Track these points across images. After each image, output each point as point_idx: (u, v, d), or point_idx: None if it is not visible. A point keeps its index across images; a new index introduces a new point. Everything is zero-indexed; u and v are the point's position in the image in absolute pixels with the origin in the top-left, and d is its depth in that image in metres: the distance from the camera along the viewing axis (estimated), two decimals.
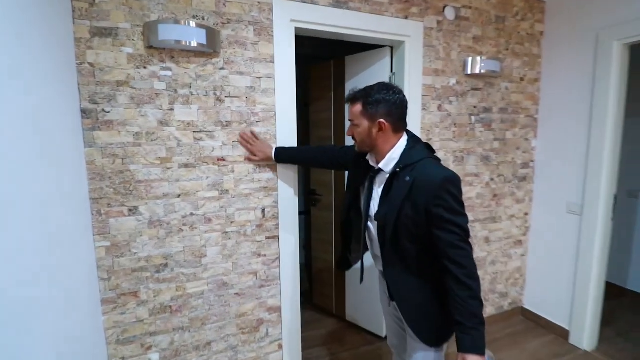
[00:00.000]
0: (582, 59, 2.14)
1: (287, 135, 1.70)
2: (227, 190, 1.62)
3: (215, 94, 1.55)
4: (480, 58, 2.10)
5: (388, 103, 1.14)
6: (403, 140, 1.19)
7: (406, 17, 1.91)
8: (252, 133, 1.63)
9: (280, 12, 1.61)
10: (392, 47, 2.04)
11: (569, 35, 2.22)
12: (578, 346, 2.23)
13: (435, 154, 1.22)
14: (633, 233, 3.01)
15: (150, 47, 1.43)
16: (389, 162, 1.19)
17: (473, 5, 2.10)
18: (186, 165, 1.54)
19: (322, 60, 2.48)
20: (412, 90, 1.97)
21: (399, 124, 1.18)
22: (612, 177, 2.07)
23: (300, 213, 3.47)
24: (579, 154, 2.19)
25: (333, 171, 2.45)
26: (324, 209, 2.57)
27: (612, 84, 1.98)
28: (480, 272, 1.09)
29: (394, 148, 1.18)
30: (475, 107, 2.21)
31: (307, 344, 2.21)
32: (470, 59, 2.10)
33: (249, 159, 1.64)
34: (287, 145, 1.70)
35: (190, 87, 1.51)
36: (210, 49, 1.48)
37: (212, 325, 1.67)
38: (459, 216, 1.06)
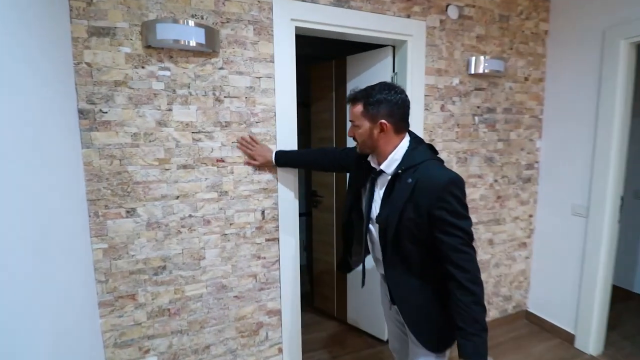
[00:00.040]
0: (588, 58, 2.11)
1: (287, 136, 1.68)
2: (226, 192, 1.60)
3: (214, 94, 1.53)
4: (484, 57, 2.07)
5: (390, 103, 1.12)
6: (405, 141, 1.17)
7: (408, 16, 1.89)
8: (252, 137, 1.60)
9: (280, 11, 1.59)
10: (394, 47, 2.01)
11: (574, 33, 2.19)
12: (584, 351, 2.19)
13: (438, 155, 1.19)
14: None
15: (148, 47, 1.41)
16: (390, 164, 1.16)
17: (476, 3, 2.07)
18: (185, 166, 1.52)
19: (323, 61, 2.45)
20: (415, 90, 1.94)
21: (401, 124, 1.16)
22: (619, 178, 2.03)
23: (301, 214, 3.47)
24: (584, 155, 2.15)
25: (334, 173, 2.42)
26: (325, 210, 2.54)
27: (619, 83, 1.94)
28: (483, 275, 1.07)
29: (396, 149, 1.16)
30: (478, 107, 2.18)
31: (307, 347, 2.19)
32: (473, 59, 2.07)
33: (248, 164, 1.63)
34: (287, 147, 1.68)
35: (189, 87, 1.49)
36: (209, 49, 1.47)
37: (211, 329, 1.65)
38: (462, 219, 1.04)
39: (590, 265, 2.13)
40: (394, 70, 2.03)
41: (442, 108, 2.07)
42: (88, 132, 1.37)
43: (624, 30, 1.91)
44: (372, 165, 1.24)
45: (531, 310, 2.56)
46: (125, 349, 1.51)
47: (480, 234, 2.30)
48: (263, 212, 1.69)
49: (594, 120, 2.08)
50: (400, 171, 1.12)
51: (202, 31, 1.42)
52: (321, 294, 2.70)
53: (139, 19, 1.39)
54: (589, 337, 2.16)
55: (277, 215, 1.71)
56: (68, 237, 1.23)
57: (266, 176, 1.67)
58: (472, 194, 2.24)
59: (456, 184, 1.05)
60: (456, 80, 2.08)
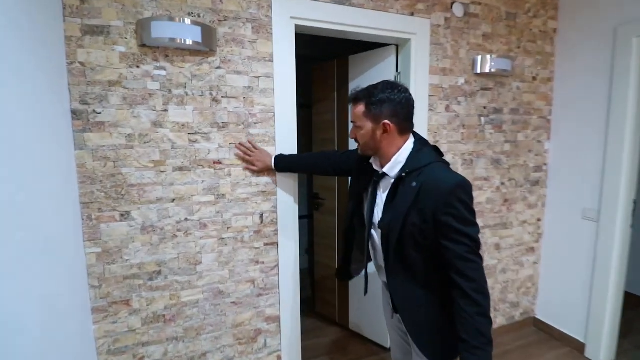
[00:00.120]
0: (598, 57, 2.04)
1: (286, 137, 1.63)
2: (223, 195, 1.56)
3: (211, 94, 1.49)
4: (490, 56, 2.01)
5: (393, 103, 1.07)
6: (409, 143, 1.12)
7: (412, 14, 1.83)
8: (250, 142, 1.56)
9: (279, 9, 1.55)
10: (397, 46, 1.96)
11: (584, 31, 2.12)
12: None
13: (443, 158, 1.14)
14: None
15: (143, 46, 1.37)
16: (394, 166, 1.11)
17: (483, 1, 2.02)
18: (181, 169, 1.48)
19: (324, 61, 2.41)
20: (419, 90, 1.89)
21: (405, 125, 1.10)
22: (632, 181, 1.95)
23: (303, 217, 3.43)
24: (595, 157, 2.08)
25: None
26: (327, 213, 2.49)
27: (631, 82, 1.87)
28: (490, 281, 1.01)
29: (400, 151, 1.10)
30: (485, 107, 2.12)
31: (308, 353, 2.13)
32: (479, 58, 2.01)
33: (248, 169, 1.58)
34: (286, 149, 1.63)
35: (185, 87, 1.45)
36: (206, 48, 1.42)
37: (208, 336, 1.60)
38: (469, 226, 0.98)
39: (601, 271, 2.06)
40: (397, 70, 1.97)
41: (447, 108, 2.01)
42: (81, 134, 1.34)
43: (637, 27, 1.84)
44: (375, 167, 1.19)
45: (539, 317, 2.48)
46: (119, 356, 1.46)
47: (486, 238, 2.23)
48: (262, 216, 1.64)
49: (605, 121, 2.01)
50: (404, 174, 1.07)
51: (198, 29, 1.38)
52: (323, 299, 2.64)
53: (134, 17, 1.36)
54: (600, 345, 2.09)
55: (276, 219, 1.66)
56: (60, 241, 1.19)
57: (265, 179, 1.63)
58: (479, 197, 2.18)
59: (464, 188, 0.99)
60: (462, 80, 2.02)
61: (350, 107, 1.17)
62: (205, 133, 1.50)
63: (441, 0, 1.90)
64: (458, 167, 2.08)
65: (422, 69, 1.89)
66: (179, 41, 1.36)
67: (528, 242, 2.40)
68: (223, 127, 1.53)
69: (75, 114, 1.32)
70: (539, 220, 2.41)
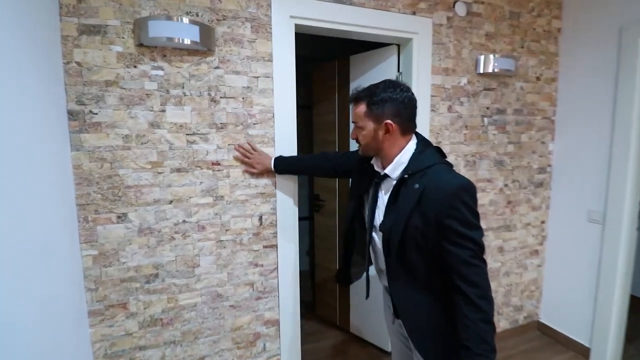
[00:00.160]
0: (604, 57, 2.00)
1: (286, 138, 1.61)
2: (221, 196, 1.53)
3: (209, 95, 1.47)
4: (493, 56, 1.98)
5: (395, 102, 1.04)
6: (412, 144, 1.09)
7: (414, 13, 1.81)
8: (250, 143, 1.54)
9: (279, 8, 1.53)
10: (398, 45, 1.93)
11: (589, 31, 2.09)
12: None
13: (446, 159, 1.11)
14: None
15: (140, 45, 1.35)
16: (396, 168, 1.08)
17: (485, 0, 1.99)
18: (178, 170, 1.46)
19: (325, 61, 2.39)
20: (421, 90, 1.86)
21: (408, 125, 1.08)
22: (638, 182, 1.91)
23: (304, 218, 3.40)
24: (600, 158, 2.04)
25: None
26: (328, 214, 2.46)
27: (637, 83, 1.84)
28: (493, 284, 0.99)
29: (402, 152, 1.08)
30: (488, 108, 2.09)
31: (308, 357, 2.11)
32: (482, 57, 1.99)
33: (247, 172, 1.56)
34: (286, 150, 1.61)
35: (183, 87, 1.43)
36: (204, 47, 1.41)
37: (206, 339, 1.58)
38: (473, 229, 0.95)
39: (607, 274, 2.02)
40: (398, 70, 1.95)
41: (450, 109, 1.98)
42: (77, 134, 1.32)
43: None
44: (376, 169, 1.17)
45: (543, 321, 2.45)
46: None
47: (489, 241, 2.20)
48: (260, 218, 1.61)
49: (611, 122, 1.97)
50: (406, 176, 1.04)
51: (196, 29, 1.36)
52: (323, 301, 2.62)
53: (131, 16, 1.34)
54: (606, 350, 2.05)
55: (276, 221, 1.64)
56: (56, 243, 1.18)
57: (264, 180, 1.60)
58: (482, 199, 2.14)
59: (468, 191, 0.97)
60: (464, 80, 1.99)
61: (351, 107, 1.15)
62: (203, 134, 1.48)
63: None
64: (461, 169, 2.05)
65: (424, 69, 1.87)
66: (176, 41, 1.34)
67: (532, 244, 2.36)
68: (221, 128, 1.50)
69: (71, 114, 1.30)
70: (543, 222, 2.37)
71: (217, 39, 1.46)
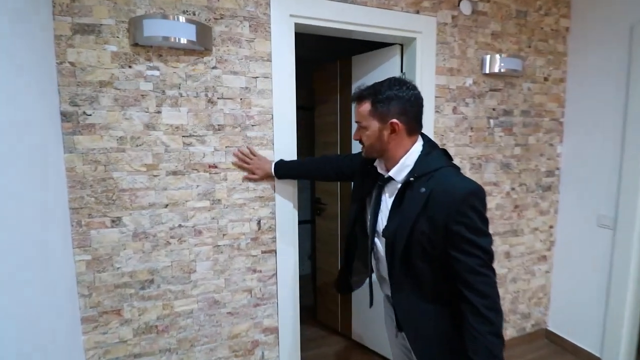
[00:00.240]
0: (614, 56, 1.94)
1: (285, 140, 1.56)
2: (219, 200, 1.49)
3: (206, 95, 1.43)
4: (500, 56, 1.93)
5: (401, 100, 1.00)
6: (418, 145, 1.05)
7: (417, 12, 1.76)
8: (249, 148, 1.50)
9: (278, 7, 1.49)
10: (402, 45, 1.89)
11: (598, 30, 2.03)
12: None
13: (453, 162, 1.06)
14: None
15: (135, 45, 1.32)
16: (401, 170, 1.04)
17: None
18: (174, 173, 1.42)
19: (327, 62, 2.34)
20: (424, 91, 1.78)
21: (414, 125, 1.04)
22: None
23: (306, 221, 3.36)
24: (611, 161, 1.97)
25: None
26: (329, 218, 2.42)
27: None
28: (500, 291, 0.94)
29: (408, 154, 1.03)
30: (494, 109, 2.03)
31: None
32: (488, 57, 1.93)
33: (247, 178, 1.52)
34: (285, 152, 1.57)
35: (180, 87, 1.39)
36: (201, 47, 1.37)
37: (202, 347, 1.53)
38: (482, 236, 0.91)
39: (618, 280, 1.96)
40: (402, 70, 1.90)
41: (455, 110, 1.93)
42: (71, 136, 1.28)
43: None
44: (380, 171, 1.12)
45: (551, 329, 2.37)
46: None
47: (496, 246, 2.14)
48: (259, 222, 1.57)
49: (622, 123, 1.91)
50: (412, 179, 0.99)
51: (193, 28, 1.32)
52: (325, 306, 2.56)
53: (126, 15, 1.30)
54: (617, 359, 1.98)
55: (275, 226, 1.59)
56: (48, 248, 1.14)
57: (262, 184, 1.56)
58: (488, 203, 2.05)
59: (478, 196, 0.93)
60: (469, 81, 1.94)
61: (354, 106, 1.10)
62: (200, 136, 1.44)
63: None
64: (466, 172, 1.99)
65: (428, 69, 1.82)
66: (172, 40, 1.31)
67: (540, 250, 2.29)
68: (219, 130, 1.46)
69: (64, 115, 1.27)
70: (551, 227, 2.31)
71: (215, 38, 1.42)
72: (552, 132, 2.22)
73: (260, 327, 1.62)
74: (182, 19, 1.31)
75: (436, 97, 1.86)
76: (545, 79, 2.16)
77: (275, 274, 1.62)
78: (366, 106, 1.04)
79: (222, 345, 1.56)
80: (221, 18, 1.42)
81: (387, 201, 1.09)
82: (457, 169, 1.04)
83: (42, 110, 1.15)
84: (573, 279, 2.23)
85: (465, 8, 1.86)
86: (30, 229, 1.04)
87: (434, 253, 0.97)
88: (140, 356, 1.44)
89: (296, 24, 1.55)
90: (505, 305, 2.21)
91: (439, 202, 0.93)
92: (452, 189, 0.93)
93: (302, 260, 3.28)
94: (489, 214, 2.05)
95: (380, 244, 1.12)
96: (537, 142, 2.19)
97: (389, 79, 1.04)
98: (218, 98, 1.45)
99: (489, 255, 0.92)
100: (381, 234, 1.09)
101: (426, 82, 1.82)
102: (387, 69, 1.96)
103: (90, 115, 1.30)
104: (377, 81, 1.07)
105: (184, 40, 1.32)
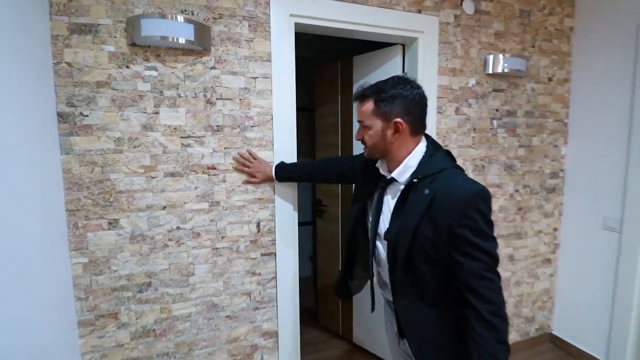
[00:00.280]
0: (619, 56, 1.91)
1: (285, 141, 1.54)
2: (217, 202, 1.47)
3: (205, 96, 1.41)
4: (503, 56, 1.91)
5: (405, 99, 0.97)
6: (422, 146, 1.02)
7: (419, 11, 1.74)
8: (249, 151, 1.48)
9: (278, 6, 1.47)
10: (404, 45, 1.86)
11: (603, 30, 2.00)
12: None
13: (457, 163, 1.04)
14: None
15: (133, 45, 1.30)
16: (404, 171, 1.01)
17: None
18: (172, 174, 1.40)
19: (328, 62, 2.32)
20: (427, 91, 1.70)
21: (418, 125, 1.01)
22: None
23: (306, 223, 3.33)
24: (617, 162, 1.94)
25: None
26: (330, 220, 2.39)
27: None
28: (503, 294, 0.91)
29: (411, 154, 1.01)
30: (497, 110, 2.01)
31: None
32: (491, 57, 1.91)
33: (248, 182, 1.50)
34: (285, 154, 1.55)
35: (178, 88, 1.38)
36: (199, 47, 1.35)
37: (201, 351, 1.51)
38: (487, 240, 0.88)
39: (624, 284, 1.93)
40: (403, 71, 1.88)
41: (457, 111, 1.90)
42: (67, 137, 1.27)
43: None
44: (382, 172, 1.09)
45: (556, 333, 2.34)
46: None
47: (500, 249, 2.08)
48: (258, 224, 1.55)
49: (628, 124, 1.88)
50: (415, 180, 0.96)
51: (191, 27, 1.31)
52: (326, 309, 2.53)
53: (124, 14, 1.29)
54: None
55: (274, 228, 1.57)
56: (44, 250, 1.13)
57: (262, 185, 1.54)
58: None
59: (483, 198, 0.90)
60: (472, 81, 1.92)
61: (356, 105, 1.08)
62: (198, 137, 1.42)
63: None
64: (469, 173, 1.96)
65: (430, 70, 1.79)
66: (171, 40, 1.29)
67: (544, 253, 2.26)
68: (218, 131, 1.44)
69: (61, 116, 1.25)
70: (555, 229, 2.27)
71: (213, 38, 1.40)
72: (556, 133, 2.19)
73: (260, 330, 1.60)
74: (180, 18, 1.30)
75: (438, 97, 1.84)
76: (550, 80, 2.13)
77: (275, 277, 1.60)
78: (369, 105, 1.01)
79: (221, 349, 1.54)
80: (220, 18, 1.41)
81: (389, 203, 1.07)
82: (462, 170, 1.02)
83: (38, 111, 1.14)
84: (578, 283, 2.20)
85: (468, 7, 1.84)
86: (29, 231, 1.02)
87: (437, 256, 0.94)
88: None
89: (296, 24, 1.53)
90: (508, 308, 2.18)
91: (443, 205, 0.91)
92: (457, 190, 0.91)
93: (303, 261, 3.25)
94: (492, 217, 2.03)
95: (381, 247, 1.10)
96: (541, 144, 2.16)
97: (393, 77, 1.02)
98: (217, 99, 1.43)
99: (494, 259, 0.89)
100: (383, 236, 1.06)
101: (428, 82, 1.79)
102: (388, 69, 1.93)
103: (87, 116, 1.28)
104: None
105: (182, 40, 1.30)
